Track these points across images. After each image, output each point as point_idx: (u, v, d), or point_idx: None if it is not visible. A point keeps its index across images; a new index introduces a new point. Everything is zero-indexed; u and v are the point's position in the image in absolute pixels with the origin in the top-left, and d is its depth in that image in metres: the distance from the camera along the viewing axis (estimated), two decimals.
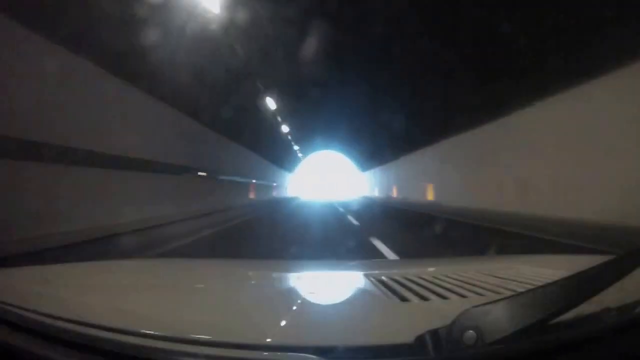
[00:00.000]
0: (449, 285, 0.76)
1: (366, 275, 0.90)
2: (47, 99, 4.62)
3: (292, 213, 11.81)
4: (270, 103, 13.39)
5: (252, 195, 18.91)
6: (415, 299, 0.68)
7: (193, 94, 8.95)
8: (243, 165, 16.33)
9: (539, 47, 6.48)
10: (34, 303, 0.62)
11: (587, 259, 1.23)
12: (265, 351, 0.49)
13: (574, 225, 5.84)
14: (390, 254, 3.73)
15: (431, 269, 0.96)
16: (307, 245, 4.77)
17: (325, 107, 16.22)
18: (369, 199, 25.69)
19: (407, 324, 0.59)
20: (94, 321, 0.54)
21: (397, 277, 0.83)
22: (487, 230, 6.25)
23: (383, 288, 0.76)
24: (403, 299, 0.68)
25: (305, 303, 0.77)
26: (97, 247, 4.24)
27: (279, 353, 0.48)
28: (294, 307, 0.72)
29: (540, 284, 0.71)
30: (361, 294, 0.82)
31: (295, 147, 26.93)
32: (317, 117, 18.69)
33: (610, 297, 0.50)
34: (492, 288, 0.73)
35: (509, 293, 0.67)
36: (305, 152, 33.26)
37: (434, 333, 0.44)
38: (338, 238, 5.52)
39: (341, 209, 12.48)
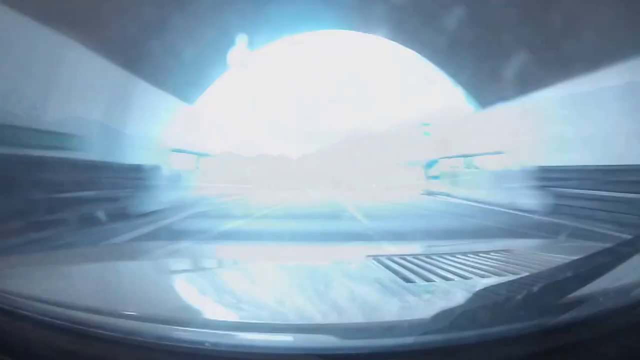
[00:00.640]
0: (450, 267, 0.77)
1: (369, 257, 0.90)
2: None
3: None
4: None
5: None
6: (419, 280, 0.69)
7: None
8: None
9: None
10: (27, 289, 0.61)
11: (577, 244, 1.32)
12: (287, 332, 0.48)
13: None
14: None
15: (429, 251, 0.97)
16: None
17: None
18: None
19: (415, 304, 0.60)
20: (85, 305, 0.53)
21: (398, 260, 0.84)
22: None
23: (387, 270, 0.77)
24: (407, 280, 0.69)
25: (311, 285, 0.77)
26: None
27: (299, 334, 0.47)
28: (304, 290, 0.73)
29: (537, 266, 0.75)
30: (367, 275, 0.81)
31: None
32: None
33: (609, 281, 0.51)
34: (493, 270, 0.75)
35: (509, 275, 0.69)
36: (265, 35, 9.13)
37: (449, 312, 0.44)
38: None
39: None
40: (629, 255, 0.51)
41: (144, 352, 0.45)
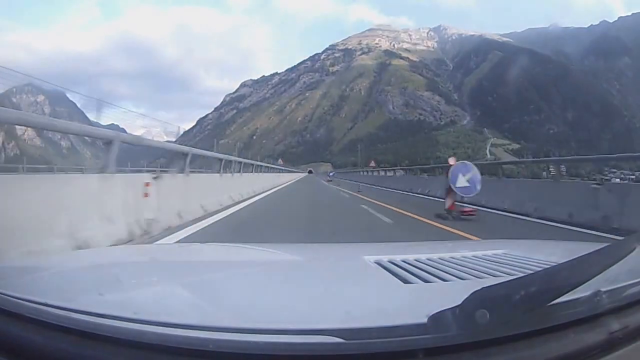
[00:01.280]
0: (447, 269, 0.77)
1: (367, 258, 0.89)
2: None
3: None
4: None
5: None
6: (417, 281, 0.69)
7: None
8: None
9: None
10: (28, 290, 0.60)
11: (573, 245, 1.32)
12: (286, 334, 0.47)
13: None
14: None
15: (427, 253, 0.96)
16: None
17: None
18: None
19: (414, 305, 0.60)
20: (87, 307, 0.52)
21: (395, 261, 0.83)
22: None
23: (384, 271, 0.76)
24: (405, 281, 0.69)
25: (311, 286, 0.76)
26: None
27: (301, 336, 0.47)
28: (301, 292, 0.71)
29: (533, 267, 0.76)
30: (365, 276, 0.81)
31: None
32: None
33: (604, 281, 0.52)
34: (489, 271, 0.75)
35: (506, 276, 0.69)
36: None
37: (448, 312, 0.45)
38: None
39: None
40: (623, 256, 0.51)
41: (146, 354, 0.45)
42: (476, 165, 6.88)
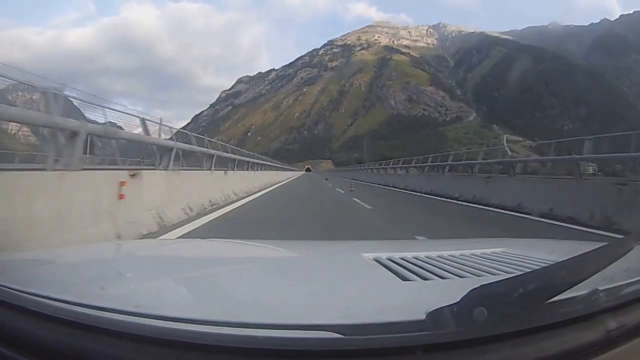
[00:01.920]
0: (445, 266, 0.77)
1: (365, 256, 0.88)
2: None
3: None
4: None
5: None
6: (416, 279, 0.68)
7: None
8: None
9: None
10: (31, 284, 0.59)
11: (572, 244, 1.32)
12: (286, 330, 0.47)
13: None
14: None
15: (426, 250, 0.93)
16: None
17: None
18: None
19: (413, 302, 0.60)
20: (89, 302, 0.51)
21: (394, 258, 0.83)
22: None
23: (383, 268, 0.76)
24: (404, 279, 0.68)
25: (310, 282, 0.75)
26: None
27: (301, 331, 0.46)
28: (300, 288, 0.71)
29: (531, 266, 0.76)
30: (364, 273, 0.80)
31: None
32: None
33: (601, 280, 0.52)
34: (487, 269, 0.75)
35: (504, 274, 0.69)
36: None
37: (446, 310, 0.44)
38: None
39: None
40: (620, 255, 0.51)
41: (147, 347, 0.44)
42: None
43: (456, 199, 10.11)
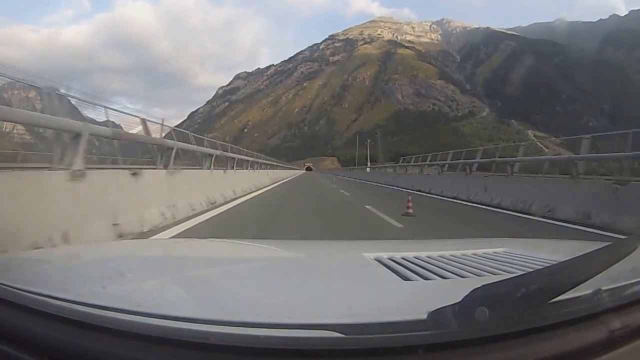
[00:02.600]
0: (447, 266, 0.75)
1: (367, 255, 0.86)
2: None
3: None
4: None
5: None
6: (417, 279, 0.67)
7: None
8: None
9: None
10: (33, 283, 0.58)
11: (575, 244, 1.29)
12: (287, 329, 0.45)
13: None
14: None
15: (427, 250, 0.91)
16: None
17: None
18: None
19: (414, 302, 0.59)
20: (91, 301, 0.50)
21: (395, 258, 0.81)
22: None
23: (385, 268, 0.74)
24: (405, 278, 0.67)
25: (311, 282, 0.74)
26: None
27: (302, 331, 0.45)
28: (302, 287, 0.69)
29: (533, 265, 0.74)
30: (366, 273, 0.78)
31: None
32: None
33: (605, 280, 0.51)
34: (489, 269, 0.73)
35: (506, 274, 0.68)
36: None
37: (447, 309, 0.43)
38: None
39: None
40: (624, 255, 0.50)
41: (149, 346, 0.44)
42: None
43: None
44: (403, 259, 0.80)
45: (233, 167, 10.75)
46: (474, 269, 0.72)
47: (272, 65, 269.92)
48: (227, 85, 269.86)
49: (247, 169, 13.26)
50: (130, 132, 5.36)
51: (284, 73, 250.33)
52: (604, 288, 0.50)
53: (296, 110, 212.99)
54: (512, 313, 0.43)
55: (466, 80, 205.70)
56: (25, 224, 2.47)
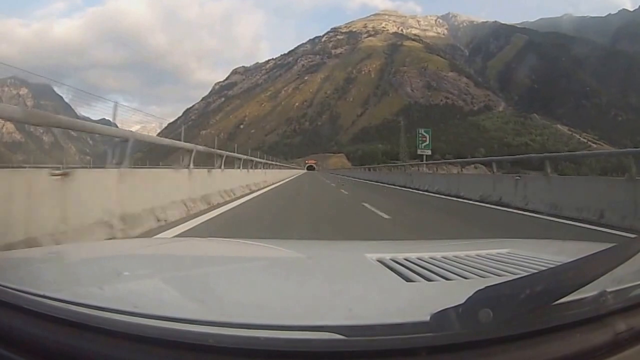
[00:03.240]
0: (450, 267, 0.73)
1: (369, 256, 0.84)
2: None
3: None
4: None
5: None
6: (420, 280, 0.65)
7: None
8: None
9: None
10: (29, 283, 0.57)
11: (579, 245, 1.26)
12: (289, 330, 0.44)
13: None
14: None
15: (430, 251, 0.89)
16: None
17: None
18: None
19: (417, 303, 0.58)
20: (87, 301, 0.48)
21: (398, 259, 0.79)
22: None
23: (387, 269, 0.73)
24: (408, 280, 0.65)
25: (313, 283, 0.72)
26: None
27: (303, 332, 0.44)
28: (303, 288, 0.68)
29: (537, 267, 0.73)
30: (368, 274, 0.76)
31: None
32: None
33: (610, 282, 0.49)
34: (493, 271, 0.71)
35: (510, 275, 0.66)
36: None
37: (451, 311, 0.42)
38: None
39: None
40: (629, 256, 0.48)
41: (146, 348, 0.42)
42: None
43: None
44: (405, 259, 0.78)
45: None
46: (477, 270, 0.71)
47: (272, 59, 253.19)
48: (224, 81, 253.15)
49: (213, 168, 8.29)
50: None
51: (283, 67, 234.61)
52: (609, 290, 0.49)
53: (296, 104, 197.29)
54: (516, 315, 0.42)
55: (477, 73, 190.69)
56: (92, 208, 3.17)
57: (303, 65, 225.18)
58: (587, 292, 0.46)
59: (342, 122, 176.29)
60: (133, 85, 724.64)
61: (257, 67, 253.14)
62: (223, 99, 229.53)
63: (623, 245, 0.50)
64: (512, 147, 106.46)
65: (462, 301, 0.42)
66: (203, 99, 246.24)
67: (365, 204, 7.09)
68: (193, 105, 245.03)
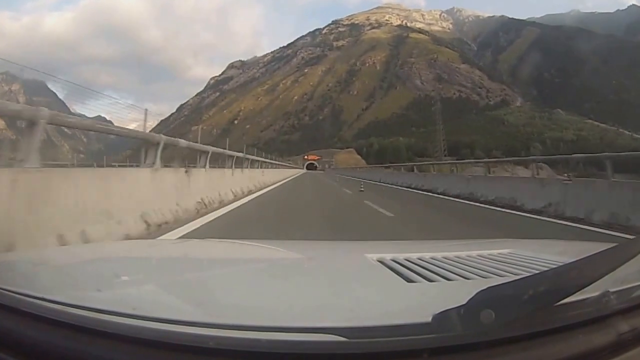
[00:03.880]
0: (451, 268, 0.71)
1: (369, 257, 0.82)
2: None
3: None
4: None
5: None
6: (421, 280, 0.64)
7: None
8: None
9: None
10: (28, 285, 0.56)
11: (581, 245, 1.24)
12: (289, 332, 0.43)
13: None
14: None
15: (431, 251, 0.87)
16: None
17: None
18: None
19: (418, 304, 0.57)
20: (85, 304, 0.47)
21: (398, 259, 0.77)
22: None
23: (388, 269, 0.71)
24: (409, 280, 0.64)
25: (313, 284, 0.71)
26: None
27: (304, 334, 0.43)
28: (304, 289, 0.66)
29: (539, 267, 0.72)
30: (368, 275, 0.75)
31: None
32: None
33: (612, 282, 0.48)
34: (495, 271, 0.69)
35: (512, 276, 0.65)
36: None
37: (452, 312, 0.41)
38: None
39: None
40: (632, 256, 0.47)
41: (145, 350, 0.41)
42: None
43: None
44: (406, 260, 0.76)
45: None
46: (479, 271, 0.69)
47: (269, 53, 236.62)
48: (220, 75, 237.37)
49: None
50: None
51: (282, 59, 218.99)
52: (611, 290, 0.48)
53: (295, 98, 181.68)
54: (519, 316, 0.41)
55: (488, 68, 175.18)
56: (128, 201, 3.60)
57: (303, 57, 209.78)
58: (589, 292, 0.45)
59: (345, 116, 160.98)
60: (128, 81, 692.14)
61: (255, 60, 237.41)
62: (218, 93, 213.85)
63: (625, 245, 0.50)
64: (567, 143, 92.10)
65: (464, 302, 0.41)
66: (198, 94, 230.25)
67: None
68: (187, 101, 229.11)
